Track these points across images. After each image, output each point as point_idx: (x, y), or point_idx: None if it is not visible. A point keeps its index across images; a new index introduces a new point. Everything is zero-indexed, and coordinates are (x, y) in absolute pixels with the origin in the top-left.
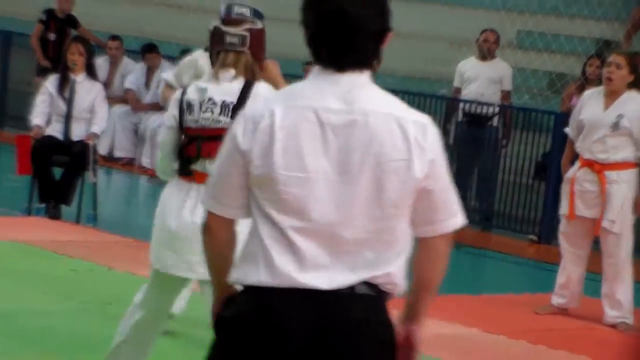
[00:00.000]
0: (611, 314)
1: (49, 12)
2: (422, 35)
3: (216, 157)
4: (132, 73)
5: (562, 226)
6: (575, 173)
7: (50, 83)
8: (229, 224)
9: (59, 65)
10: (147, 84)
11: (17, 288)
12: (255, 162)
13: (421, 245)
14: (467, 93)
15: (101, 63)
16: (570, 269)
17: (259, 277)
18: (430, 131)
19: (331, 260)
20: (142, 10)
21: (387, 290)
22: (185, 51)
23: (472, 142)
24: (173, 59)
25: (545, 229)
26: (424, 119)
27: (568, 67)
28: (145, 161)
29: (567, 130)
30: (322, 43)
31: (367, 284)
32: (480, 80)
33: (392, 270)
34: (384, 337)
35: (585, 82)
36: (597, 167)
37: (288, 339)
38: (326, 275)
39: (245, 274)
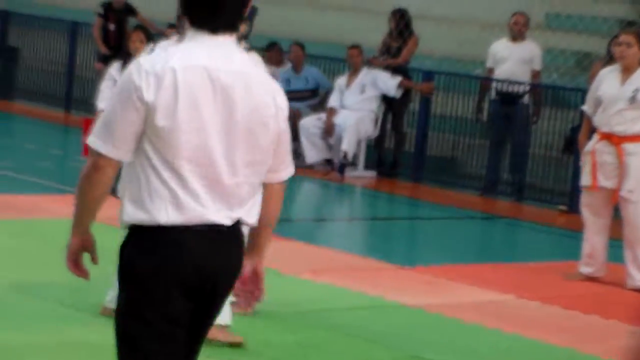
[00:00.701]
0: (637, 277)
1: (107, 5)
2: (456, 19)
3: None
4: None
5: (584, 197)
6: (594, 146)
7: (114, 69)
8: (117, 165)
9: (119, 52)
10: None
11: (87, 262)
12: (159, 114)
13: (265, 189)
14: (499, 73)
15: None
16: (593, 239)
17: (169, 217)
18: (281, 93)
19: (221, 200)
20: None
21: (249, 223)
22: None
23: (504, 118)
24: None
25: (574, 199)
26: (278, 84)
27: (594, 46)
28: None
29: (584, 107)
30: (198, 8)
31: (241, 220)
32: (512, 60)
33: (255, 208)
34: (240, 259)
35: (609, 60)
36: (615, 140)
37: (198, 272)
38: (220, 214)
39: (154, 215)
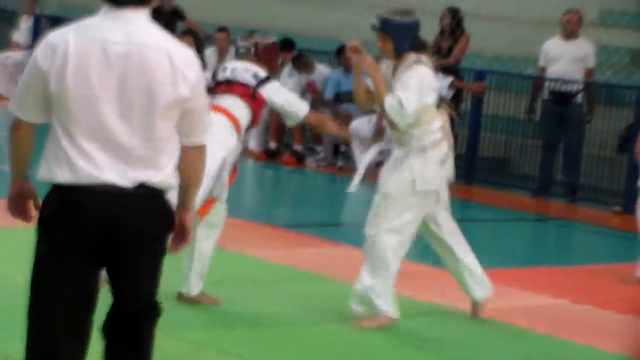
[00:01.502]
0: None
1: (155, 9)
2: (507, 17)
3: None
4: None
5: None
6: None
7: None
8: (31, 126)
9: None
10: None
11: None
12: (52, 81)
13: (183, 151)
14: (552, 72)
15: (210, 54)
16: None
17: (64, 176)
18: (192, 63)
19: (117, 162)
20: (247, 1)
21: (162, 186)
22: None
23: (557, 118)
24: None
25: (629, 200)
26: (189, 55)
27: None
28: (252, 144)
29: None
30: None
31: (146, 183)
32: (565, 59)
33: (164, 170)
34: (158, 220)
35: None
36: None
37: (91, 229)
38: (118, 175)
39: (53, 174)
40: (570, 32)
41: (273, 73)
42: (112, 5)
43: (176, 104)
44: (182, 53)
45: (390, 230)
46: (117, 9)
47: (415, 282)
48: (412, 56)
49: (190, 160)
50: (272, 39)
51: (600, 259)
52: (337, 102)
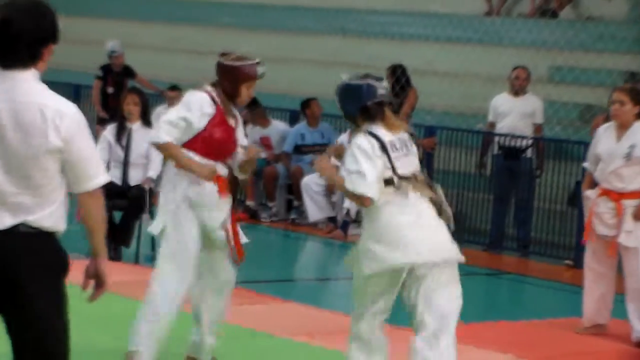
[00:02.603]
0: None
1: (106, 68)
2: (457, 73)
3: None
4: None
5: (587, 245)
6: (595, 197)
7: (108, 132)
8: None
9: (116, 115)
10: None
11: (78, 329)
12: None
13: (78, 199)
14: (501, 127)
15: (161, 110)
16: (592, 288)
17: None
18: (67, 117)
19: (2, 208)
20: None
21: (48, 228)
22: None
23: (508, 173)
24: None
25: (580, 254)
26: (67, 109)
27: (597, 98)
28: None
29: (586, 164)
30: None
31: (27, 224)
32: (514, 114)
33: (46, 213)
34: (47, 260)
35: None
36: (614, 196)
37: None
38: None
39: None
40: (518, 88)
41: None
42: (1, 67)
43: (49, 154)
44: (56, 107)
45: None
46: (4, 71)
47: None
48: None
49: (85, 207)
50: None
51: (550, 313)
52: (298, 154)
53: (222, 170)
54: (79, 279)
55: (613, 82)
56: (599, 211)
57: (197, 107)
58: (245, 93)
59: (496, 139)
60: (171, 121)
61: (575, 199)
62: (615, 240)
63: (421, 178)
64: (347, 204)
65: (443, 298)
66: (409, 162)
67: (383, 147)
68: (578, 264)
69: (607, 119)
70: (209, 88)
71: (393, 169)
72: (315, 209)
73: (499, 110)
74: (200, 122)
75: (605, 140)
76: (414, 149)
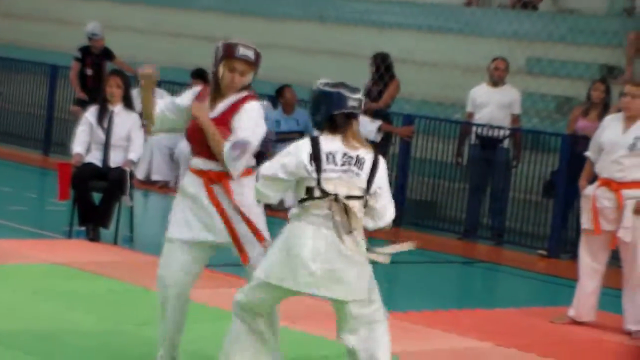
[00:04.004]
0: (630, 319)
1: (85, 49)
2: (437, 63)
3: None
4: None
5: (583, 240)
6: (594, 191)
7: (90, 114)
8: None
9: (97, 96)
10: None
11: (57, 309)
12: None
13: None
14: (480, 117)
15: (135, 94)
16: (585, 282)
17: None
18: None
19: None
20: (180, 43)
21: None
22: None
23: (484, 163)
24: None
25: (554, 244)
26: None
27: (574, 91)
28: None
29: (588, 153)
30: None
31: None
32: (492, 105)
33: None
34: None
35: (590, 106)
36: (615, 186)
37: None
38: None
39: None
40: (497, 79)
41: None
42: None
43: None
44: None
45: None
46: None
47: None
48: None
49: None
50: None
51: (525, 302)
52: (274, 141)
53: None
54: (61, 260)
55: (591, 75)
56: (600, 206)
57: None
58: (227, 75)
59: (474, 129)
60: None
61: (550, 190)
62: (615, 235)
63: (348, 205)
64: None
65: None
66: (344, 183)
67: (315, 156)
68: (552, 253)
69: (586, 112)
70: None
71: (318, 180)
72: (291, 195)
73: (478, 101)
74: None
75: (610, 130)
76: (363, 172)
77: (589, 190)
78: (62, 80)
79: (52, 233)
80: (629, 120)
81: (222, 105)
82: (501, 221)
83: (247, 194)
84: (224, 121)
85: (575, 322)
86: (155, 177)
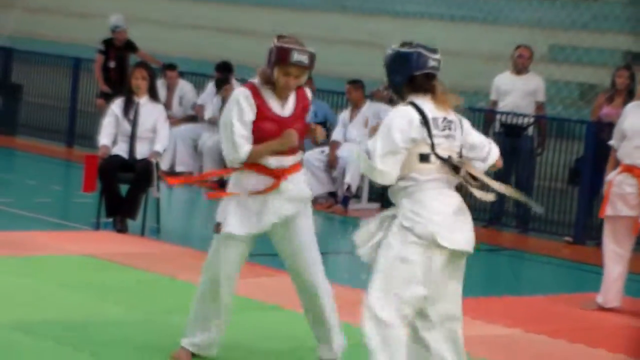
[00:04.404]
0: None
1: (108, 42)
2: (460, 51)
3: None
4: (204, 91)
5: (606, 226)
6: (614, 177)
7: (116, 106)
8: None
9: (120, 88)
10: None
11: (87, 300)
12: None
13: None
14: (504, 105)
15: (158, 86)
16: (611, 268)
17: None
18: None
19: None
20: (201, 35)
21: None
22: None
23: (509, 151)
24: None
25: (579, 231)
26: None
27: (598, 78)
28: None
29: (611, 142)
30: None
31: None
32: (516, 93)
33: None
34: None
35: (614, 93)
36: (637, 172)
37: None
38: None
39: None
40: (521, 67)
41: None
42: None
43: None
44: None
45: None
46: None
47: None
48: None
49: None
50: None
51: (551, 288)
52: None
53: (286, 161)
54: (89, 251)
55: (615, 62)
56: (621, 192)
57: (245, 104)
58: (282, 79)
59: (498, 117)
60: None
61: (575, 178)
62: (638, 220)
63: (461, 162)
64: (348, 179)
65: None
66: (449, 146)
67: (424, 121)
68: (577, 240)
69: (610, 99)
70: (256, 80)
71: (432, 146)
72: (316, 184)
73: (502, 89)
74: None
75: (632, 117)
76: (457, 133)
77: (610, 176)
78: (84, 73)
79: (79, 225)
80: None
81: (289, 105)
82: (526, 209)
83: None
84: (298, 118)
85: (603, 309)
86: (179, 168)
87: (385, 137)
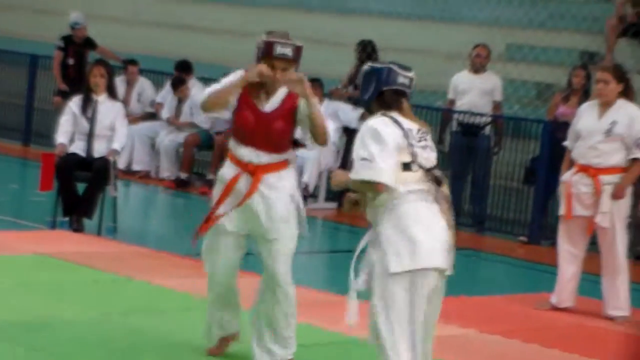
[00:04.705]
0: (611, 305)
1: (67, 39)
2: (418, 50)
3: None
4: (164, 89)
5: (561, 226)
6: (571, 177)
7: (73, 103)
8: None
9: (79, 86)
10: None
11: (43, 300)
12: None
13: None
14: (461, 104)
15: (118, 83)
16: (565, 268)
17: None
18: None
19: None
20: (161, 32)
21: None
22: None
23: (465, 150)
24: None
25: (535, 231)
26: None
27: (555, 77)
28: (163, 174)
29: (566, 143)
30: None
31: None
32: (473, 92)
33: None
34: None
35: (570, 92)
36: (592, 172)
37: None
38: None
39: None
40: (478, 66)
41: None
42: None
43: None
44: None
45: None
46: None
47: (321, 310)
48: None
49: None
50: None
51: (507, 288)
52: None
53: (263, 157)
54: (45, 250)
55: (571, 62)
56: (577, 192)
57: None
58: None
59: (455, 116)
60: None
61: (531, 177)
62: (592, 220)
63: (438, 175)
64: (306, 178)
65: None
66: (427, 157)
67: (403, 132)
68: (532, 240)
69: (566, 98)
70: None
71: (413, 155)
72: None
73: (459, 88)
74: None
75: (586, 118)
76: (433, 145)
77: (566, 177)
78: (42, 70)
79: (35, 224)
80: (604, 106)
81: (275, 100)
82: (482, 208)
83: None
84: (281, 116)
85: (556, 309)
86: (136, 167)
87: (376, 139)
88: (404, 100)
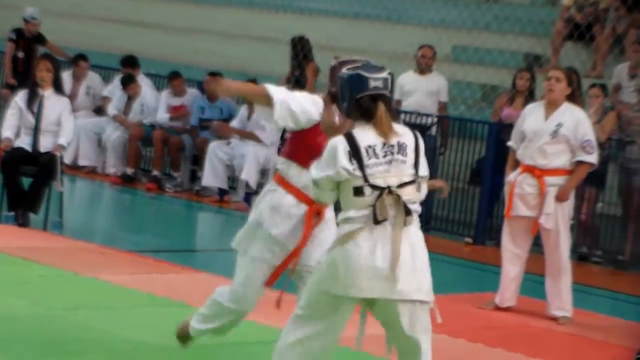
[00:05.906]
0: (554, 305)
1: (18, 32)
2: (364, 50)
3: None
4: (111, 83)
5: (505, 226)
6: (516, 177)
7: (19, 98)
8: None
9: (27, 80)
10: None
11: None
12: None
13: None
14: (407, 105)
15: (65, 77)
16: (508, 268)
17: None
18: None
19: None
20: (109, 27)
21: None
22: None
23: None
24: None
25: (479, 231)
26: None
27: (500, 79)
28: (110, 170)
29: (510, 143)
30: None
31: None
32: (419, 92)
33: None
34: None
35: (515, 94)
36: (538, 173)
37: None
38: None
39: None
40: (424, 67)
41: None
42: None
43: None
44: None
45: None
46: None
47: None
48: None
49: None
50: None
51: (452, 288)
52: (200, 128)
53: None
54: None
55: (516, 64)
56: (521, 193)
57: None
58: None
59: (401, 116)
60: None
61: (476, 178)
62: (537, 221)
63: (400, 193)
64: (244, 176)
65: None
66: (393, 174)
67: (355, 153)
68: (477, 240)
69: (511, 100)
70: None
71: (364, 177)
72: (210, 175)
73: (405, 89)
74: None
75: (532, 118)
76: (407, 157)
77: (511, 177)
78: None
79: None
80: (550, 107)
81: None
82: (428, 208)
83: None
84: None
85: (499, 308)
86: (82, 162)
87: (317, 162)
88: (381, 105)
